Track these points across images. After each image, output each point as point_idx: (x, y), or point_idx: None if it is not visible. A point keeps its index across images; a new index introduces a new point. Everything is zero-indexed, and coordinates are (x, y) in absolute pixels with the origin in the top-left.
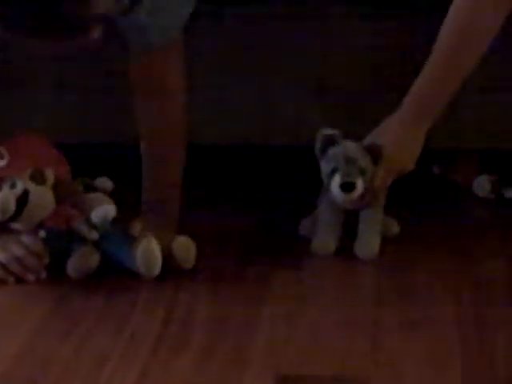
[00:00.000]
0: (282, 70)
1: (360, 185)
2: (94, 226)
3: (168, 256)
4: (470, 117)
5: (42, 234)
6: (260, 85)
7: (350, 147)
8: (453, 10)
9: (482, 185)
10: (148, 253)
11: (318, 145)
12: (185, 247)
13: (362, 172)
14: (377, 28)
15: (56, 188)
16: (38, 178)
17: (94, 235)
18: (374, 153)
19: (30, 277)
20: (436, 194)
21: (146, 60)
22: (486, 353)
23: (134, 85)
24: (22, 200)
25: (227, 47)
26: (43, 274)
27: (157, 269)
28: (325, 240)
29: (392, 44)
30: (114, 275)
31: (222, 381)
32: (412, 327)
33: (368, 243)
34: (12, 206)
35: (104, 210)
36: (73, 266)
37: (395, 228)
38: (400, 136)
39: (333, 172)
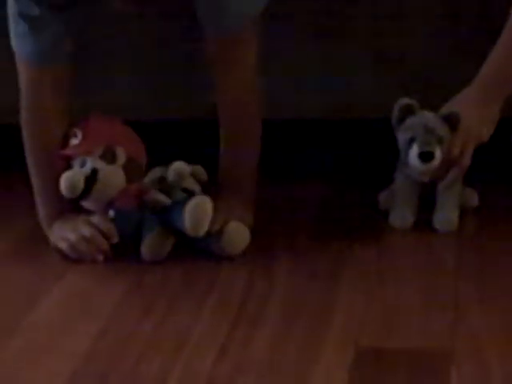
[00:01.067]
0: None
1: (438, 154)
2: (166, 191)
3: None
4: None
5: (112, 213)
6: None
7: (427, 116)
8: None
9: None
10: (197, 209)
11: (395, 115)
12: (236, 232)
13: (440, 141)
14: None
15: (127, 167)
16: (108, 156)
17: (167, 200)
18: (452, 122)
19: (99, 257)
20: None
21: (221, 44)
22: None
23: (212, 64)
24: (91, 179)
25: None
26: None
27: (202, 227)
28: (402, 214)
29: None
30: (189, 255)
31: (300, 355)
32: (493, 301)
33: (447, 216)
34: (81, 185)
35: (179, 165)
36: (147, 249)
37: (475, 200)
38: (477, 108)
39: (410, 142)
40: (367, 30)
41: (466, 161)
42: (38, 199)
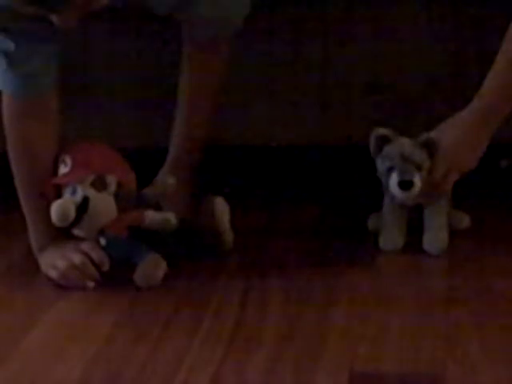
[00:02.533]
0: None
1: (417, 181)
2: None
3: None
4: None
5: (103, 241)
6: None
7: (404, 144)
8: None
9: None
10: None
11: (372, 145)
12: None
13: (419, 167)
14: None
15: (118, 195)
16: (99, 184)
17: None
18: (430, 147)
19: (90, 284)
20: (504, 188)
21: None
22: None
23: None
24: (82, 207)
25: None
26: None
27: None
28: (391, 236)
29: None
30: (182, 282)
31: (295, 380)
32: (485, 322)
33: (436, 238)
34: (72, 213)
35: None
36: (140, 275)
37: (466, 221)
38: (464, 134)
39: (389, 171)
40: None
41: (447, 186)
42: (30, 227)
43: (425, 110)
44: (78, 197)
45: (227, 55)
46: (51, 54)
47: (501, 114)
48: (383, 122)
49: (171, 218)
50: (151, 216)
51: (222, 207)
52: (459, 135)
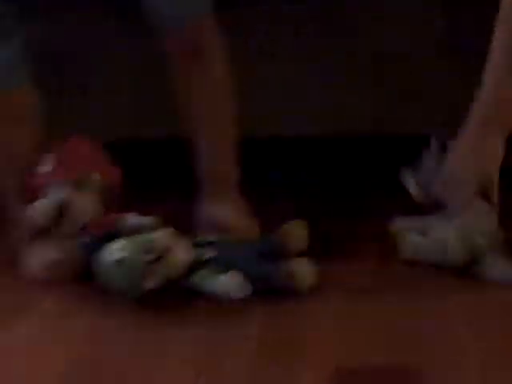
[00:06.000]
0: None
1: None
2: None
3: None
4: None
5: (83, 240)
6: None
7: None
8: (504, 11)
9: None
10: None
11: None
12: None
13: None
14: None
15: (101, 194)
16: (82, 183)
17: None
18: None
19: (66, 281)
20: None
21: (179, 36)
22: None
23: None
24: (63, 207)
25: None
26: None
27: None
28: None
29: None
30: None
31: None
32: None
33: None
34: (51, 213)
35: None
36: None
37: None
38: (463, 148)
39: None
40: None
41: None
42: (11, 226)
43: None
44: (60, 197)
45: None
46: (21, 46)
47: (500, 118)
48: None
49: (152, 222)
50: (132, 218)
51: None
52: (457, 151)
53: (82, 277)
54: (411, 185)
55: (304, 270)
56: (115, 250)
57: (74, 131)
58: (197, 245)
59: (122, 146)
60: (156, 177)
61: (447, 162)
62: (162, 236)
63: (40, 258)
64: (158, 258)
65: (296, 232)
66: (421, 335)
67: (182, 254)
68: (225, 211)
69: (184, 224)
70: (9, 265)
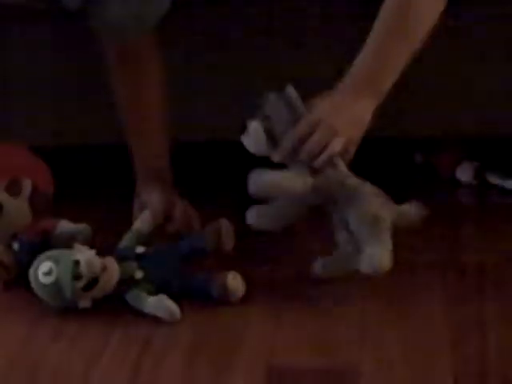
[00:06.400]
0: None
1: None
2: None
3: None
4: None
5: (16, 246)
6: None
7: None
8: None
9: (465, 171)
10: None
11: None
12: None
13: None
14: None
15: (33, 200)
16: (13, 189)
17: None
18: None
19: None
20: (418, 183)
21: (119, 49)
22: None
23: (111, 67)
24: None
25: None
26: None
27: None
28: None
29: None
30: None
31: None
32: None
33: None
34: None
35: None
36: None
37: None
38: (339, 105)
39: None
40: None
41: (330, 151)
42: None
43: None
44: None
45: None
46: None
47: (381, 86)
48: None
49: (86, 229)
50: (64, 225)
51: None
52: (334, 108)
53: (14, 283)
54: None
55: (236, 283)
56: (43, 275)
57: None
58: (124, 257)
59: (52, 151)
60: (85, 184)
61: (317, 111)
62: (90, 258)
63: None
64: (91, 282)
65: (219, 231)
66: (356, 336)
67: (115, 273)
68: (158, 197)
69: (115, 231)
70: None
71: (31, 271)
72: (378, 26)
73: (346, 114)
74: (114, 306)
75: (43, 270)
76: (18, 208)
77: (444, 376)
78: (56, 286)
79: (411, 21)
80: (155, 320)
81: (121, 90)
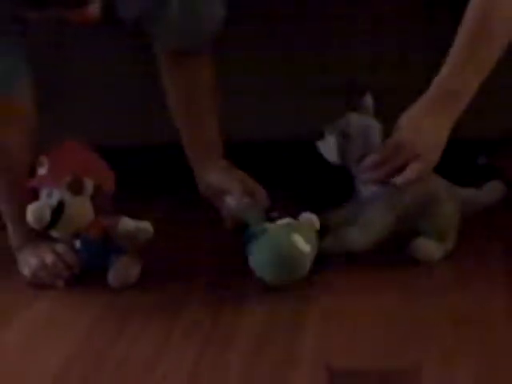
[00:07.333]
0: None
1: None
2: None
3: None
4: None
5: (78, 244)
6: None
7: None
8: None
9: None
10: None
11: None
12: None
13: None
14: None
15: (94, 198)
16: (75, 187)
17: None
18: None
19: (59, 284)
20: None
21: (173, 53)
22: None
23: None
24: (58, 210)
25: None
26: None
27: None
28: None
29: None
30: (156, 282)
31: (272, 377)
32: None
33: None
34: (47, 216)
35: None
36: (113, 276)
37: None
38: (420, 122)
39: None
40: None
41: (408, 174)
42: (8, 227)
43: None
44: (54, 200)
45: (208, 62)
46: (19, 52)
47: (460, 103)
48: None
49: (147, 226)
50: (126, 222)
51: None
52: (417, 127)
53: (77, 279)
54: (329, 143)
55: None
56: None
57: (69, 135)
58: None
59: (115, 151)
60: (142, 184)
61: (400, 132)
62: None
63: (34, 260)
64: None
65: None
66: (419, 334)
67: None
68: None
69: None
70: (4, 266)
71: None
72: (457, 45)
73: (427, 134)
74: (176, 300)
75: None
76: (80, 206)
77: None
78: None
79: (496, 24)
80: (215, 314)
81: (173, 92)
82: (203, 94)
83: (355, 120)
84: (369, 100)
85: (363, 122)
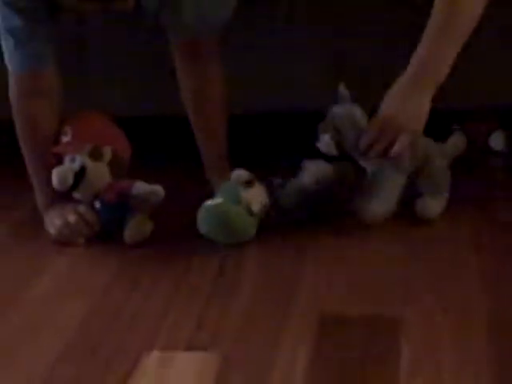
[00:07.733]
0: None
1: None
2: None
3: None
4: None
5: (97, 205)
6: None
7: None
8: None
9: (498, 140)
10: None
11: None
12: None
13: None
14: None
15: (112, 164)
16: (95, 154)
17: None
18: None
19: (80, 240)
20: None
21: (187, 46)
22: None
23: (177, 62)
24: (79, 174)
25: None
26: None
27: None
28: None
29: None
30: (167, 239)
31: (269, 326)
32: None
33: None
34: (70, 179)
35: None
36: (128, 234)
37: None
38: (401, 98)
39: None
40: None
41: (397, 148)
42: (36, 189)
43: None
44: (77, 165)
45: (217, 57)
46: (49, 34)
47: (435, 75)
48: None
49: (159, 190)
50: (140, 186)
51: None
52: (396, 100)
53: (96, 238)
54: (325, 141)
55: None
56: None
57: (92, 106)
58: None
59: (131, 120)
60: (157, 152)
61: (383, 110)
62: None
63: (59, 219)
64: None
65: None
66: (408, 284)
67: None
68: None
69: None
70: (27, 226)
71: None
72: (431, 23)
73: (408, 108)
74: (183, 257)
75: None
76: (100, 171)
77: (479, 326)
78: None
79: (460, 16)
80: (220, 268)
81: (186, 83)
82: (214, 91)
83: (339, 112)
84: (344, 90)
85: (346, 111)
